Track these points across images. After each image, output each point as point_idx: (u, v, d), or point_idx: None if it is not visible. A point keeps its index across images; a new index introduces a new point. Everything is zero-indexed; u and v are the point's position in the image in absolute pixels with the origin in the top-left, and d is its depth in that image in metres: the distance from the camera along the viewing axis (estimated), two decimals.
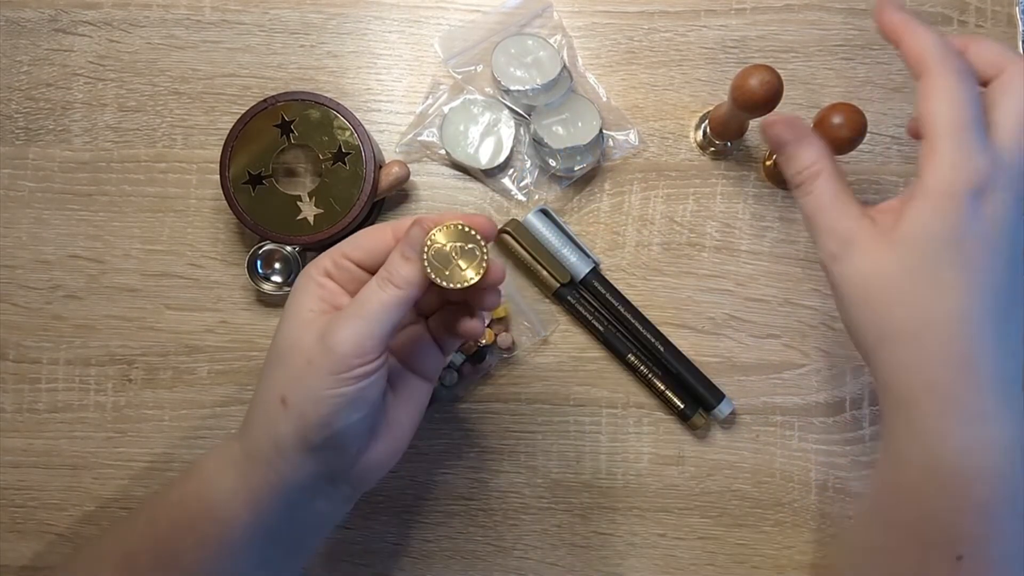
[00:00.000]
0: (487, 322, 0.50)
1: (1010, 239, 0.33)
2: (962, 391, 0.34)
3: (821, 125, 0.43)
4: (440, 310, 0.39)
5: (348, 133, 0.48)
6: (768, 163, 0.51)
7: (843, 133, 0.42)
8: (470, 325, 0.38)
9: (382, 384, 0.36)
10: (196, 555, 0.37)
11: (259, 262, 0.49)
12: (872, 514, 0.39)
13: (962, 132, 0.32)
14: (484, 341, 0.49)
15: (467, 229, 0.36)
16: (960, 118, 0.32)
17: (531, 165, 0.52)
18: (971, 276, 0.33)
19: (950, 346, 0.33)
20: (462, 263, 0.35)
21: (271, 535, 0.37)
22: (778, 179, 0.51)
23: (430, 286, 0.35)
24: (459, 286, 0.35)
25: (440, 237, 0.35)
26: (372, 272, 0.37)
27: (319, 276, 0.37)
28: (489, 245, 0.36)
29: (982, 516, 0.34)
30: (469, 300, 0.38)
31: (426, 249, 0.35)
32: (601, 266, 0.51)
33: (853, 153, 0.51)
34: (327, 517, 0.40)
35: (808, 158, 0.36)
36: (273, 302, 0.51)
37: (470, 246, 0.35)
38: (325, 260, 0.37)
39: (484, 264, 0.35)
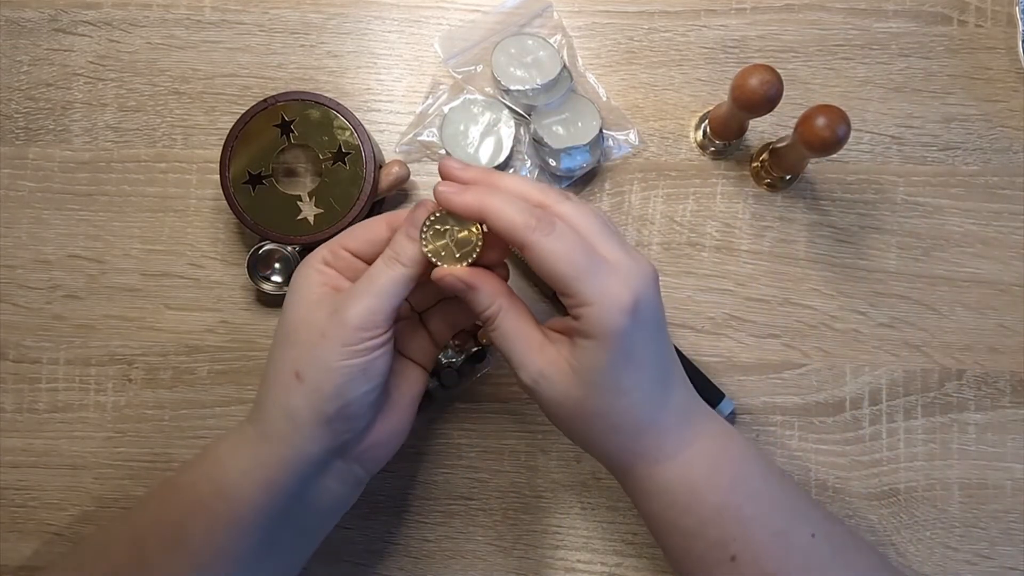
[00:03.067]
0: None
1: (660, 321, 0.37)
2: (660, 443, 0.38)
3: (805, 124, 0.43)
4: (437, 305, 0.43)
5: (348, 133, 0.48)
6: (755, 164, 0.51)
7: (825, 134, 0.42)
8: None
9: (389, 359, 0.38)
10: (205, 537, 0.38)
11: (259, 262, 0.49)
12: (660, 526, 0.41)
13: (589, 276, 0.35)
14: (485, 341, 0.49)
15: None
16: (580, 265, 0.35)
17: (531, 165, 0.52)
18: (641, 371, 0.36)
19: (638, 425, 0.37)
20: (456, 249, 0.37)
21: (282, 515, 0.38)
22: (764, 181, 0.51)
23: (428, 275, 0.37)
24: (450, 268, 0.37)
25: (441, 220, 0.37)
26: (367, 261, 0.39)
27: (318, 264, 0.40)
28: (485, 231, 0.37)
29: (731, 518, 0.37)
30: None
31: (425, 229, 0.37)
32: None
33: (853, 153, 0.51)
34: (336, 500, 0.41)
35: (484, 301, 0.38)
36: (273, 302, 0.51)
37: (465, 233, 0.37)
38: (323, 251, 0.40)
39: (476, 251, 0.37)
